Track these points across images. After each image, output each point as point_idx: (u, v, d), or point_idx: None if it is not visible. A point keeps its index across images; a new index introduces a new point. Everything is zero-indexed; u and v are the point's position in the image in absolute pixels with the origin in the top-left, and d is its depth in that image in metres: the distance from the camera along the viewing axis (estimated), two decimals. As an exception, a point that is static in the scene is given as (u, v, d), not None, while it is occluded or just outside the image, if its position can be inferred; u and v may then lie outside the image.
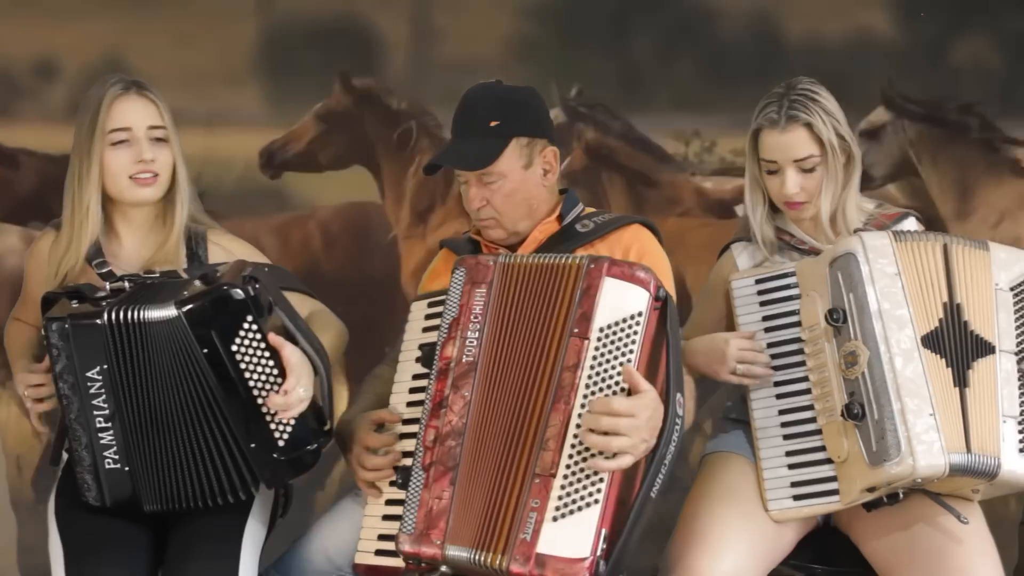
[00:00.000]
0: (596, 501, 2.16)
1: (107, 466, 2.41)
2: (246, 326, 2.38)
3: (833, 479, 2.50)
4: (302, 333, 2.46)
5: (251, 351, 2.39)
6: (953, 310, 2.52)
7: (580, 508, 2.16)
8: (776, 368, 2.59)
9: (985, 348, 2.51)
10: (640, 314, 2.23)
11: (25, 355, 2.60)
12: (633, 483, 2.21)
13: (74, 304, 2.41)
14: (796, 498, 2.53)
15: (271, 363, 2.39)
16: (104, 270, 2.56)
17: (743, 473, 2.60)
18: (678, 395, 2.24)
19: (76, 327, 2.36)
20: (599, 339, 2.24)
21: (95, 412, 2.38)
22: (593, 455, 2.18)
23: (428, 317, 2.44)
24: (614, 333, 2.23)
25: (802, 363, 2.57)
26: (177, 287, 2.44)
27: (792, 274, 2.62)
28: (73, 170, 2.59)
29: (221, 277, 2.43)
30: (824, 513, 2.57)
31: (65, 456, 2.59)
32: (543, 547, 2.15)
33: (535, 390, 2.26)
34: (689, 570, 2.46)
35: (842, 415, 2.47)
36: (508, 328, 2.32)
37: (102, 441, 2.40)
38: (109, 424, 2.39)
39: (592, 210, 2.69)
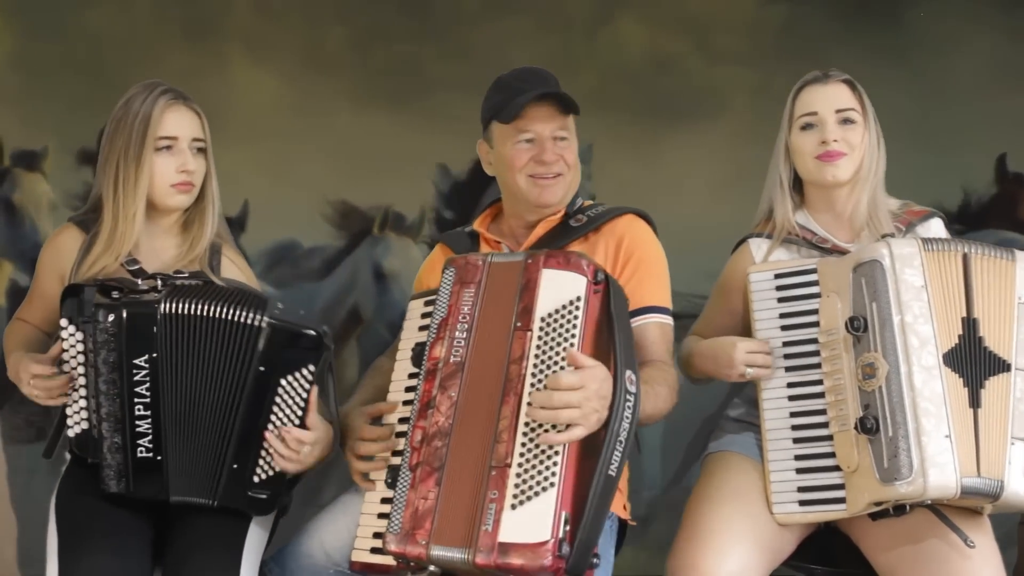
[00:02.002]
0: (552, 485, 2.17)
1: (139, 454, 2.45)
2: (304, 371, 2.44)
3: (841, 487, 2.45)
4: (336, 409, 2.51)
5: (292, 393, 2.45)
6: (971, 326, 2.43)
7: (537, 494, 2.18)
8: (790, 369, 2.54)
9: (999, 365, 2.43)
10: (579, 299, 2.27)
11: (25, 350, 2.62)
12: (590, 464, 2.21)
13: (114, 295, 2.47)
14: (802, 503, 2.49)
15: (299, 412, 2.45)
16: (135, 267, 2.61)
17: (747, 473, 2.56)
18: (628, 372, 2.25)
19: (132, 314, 2.43)
20: (541, 329, 2.27)
21: (136, 400, 2.44)
22: (545, 430, 2.19)
23: (424, 316, 2.47)
24: (555, 321, 2.27)
25: (817, 365, 2.52)
26: (258, 299, 2.49)
27: (813, 271, 2.56)
28: (115, 174, 2.63)
29: (304, 316, 2.50)
30: (829, 520, 2.52)
31: (68, 457, 2.64)
32: (505, 536, 2.17)
33: (498, 387, 2.28)
34: (694, 569, 2.43)
35: (856, 428, 2.41)
36: (488, 327, 2.34)
37: (138, 429, 2.45)
38: (148, 412, 2.45)
39: (589, 203, 2.71)
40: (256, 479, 2.48)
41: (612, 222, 2.64)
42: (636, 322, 2.50)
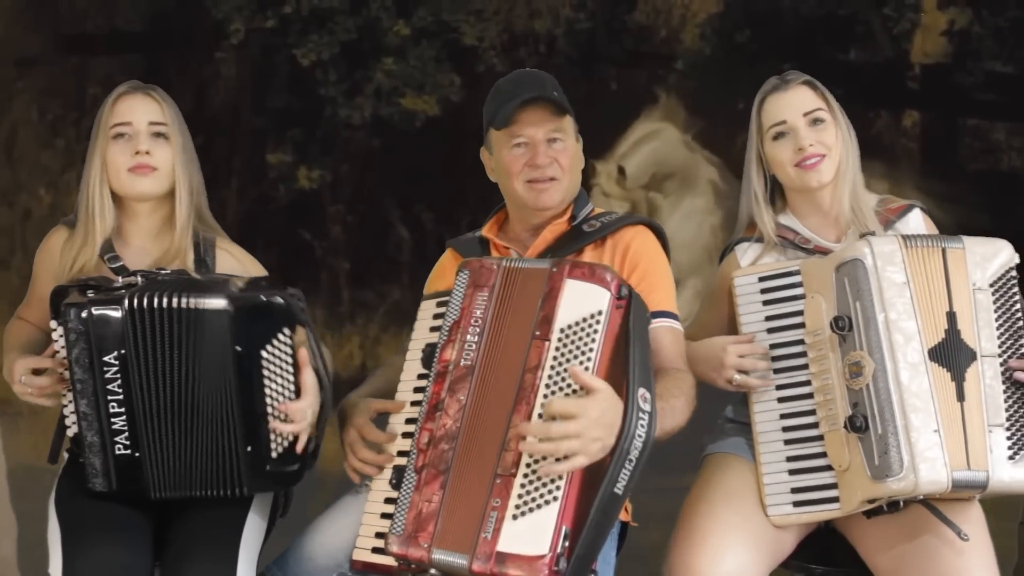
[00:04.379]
0: (555, 499, 2.16)
1: (117, 451, 2.45)
2: (282, 337, 2.46)
3: (834, 486, 2.47)
4: (321, 360, 2.52)
5: (278, 361, 2.46)
6: (952, 320, 2.46)
7: (539, 506, 2.17)
8: (778, 371, 2.56)
9: (971, 355, 2.45)
10: (600, 313, 2.24)
11: (21, 349, 2.64)
12: (596, 480, 2.19)
13: (89, 294, 2.47)
14: (796, 504, 2.50)
15: (291, 378, 2.47)
16: (116, 264, 2.63)
17: (743, 474, 2.57)
18: (642, 390, 2.22)
19: (97, 312, 2.42)
20: (559, 340, 2.26)
21: (109, 397, 2.43)
22: (546, 461, 2.17)
23: (436, 317, 2.46)
24: (574, 333, 2.25)
25: (805, 366, 2.53)
26: (220, 283, 2.52)
27: (796, 272, 2.57)
28: (86, 168, 2.68)
29: (268, 285, 2.52)
30: (824, 520, 2.54)
31: (66, 456, 2.67)
32: (503, 545, 2.16)
33: (511, 394, 2.27)
34: (689, 572, 2.44)
35: (845, 427, 2.43)
36: (501, 332, 2.34)
37: (114, 426, 2.44)
38: (122, 409, 2.44)
39: (601, 210, 2.71)
40: (274, 454, 2.48)
41: (621, 231, 2.64)
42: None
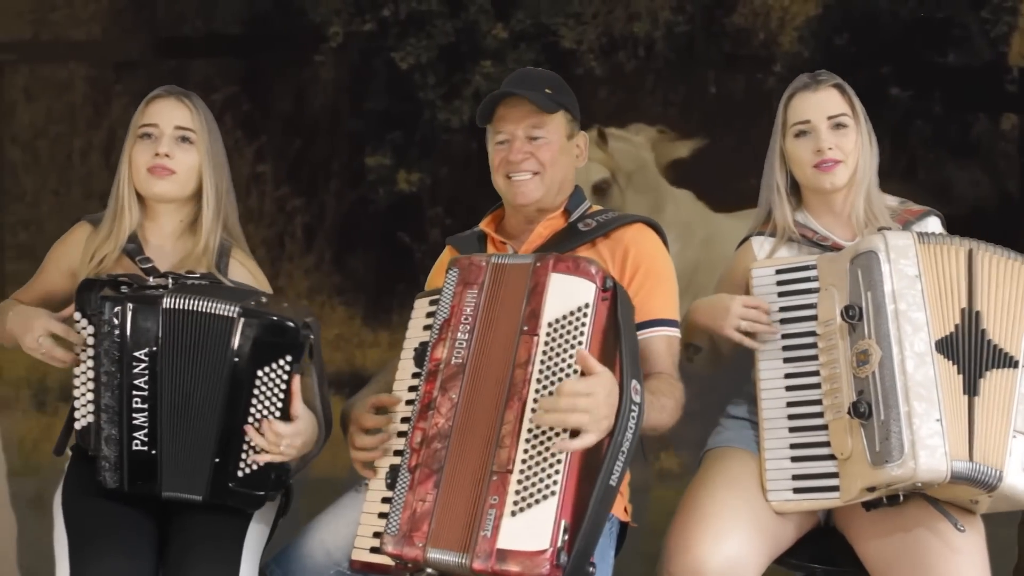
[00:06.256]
0: (553, 493, 2.16)
1: (134, 447, 2.47)
2: (281, 362, 2.45)
3: (835, 475, 2.49)
4: (322, 399, 2.52)
5: (270, 385, 2.45)
6: (971, 317, 2.48)
7: (537, 501, 2.17)
8: (788, 360, 2.58)
9: (1004, 360, 2.46)
10: (587, 305, 2.25)
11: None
12: (592, 473, 2.19)
13: (123, 290, 2.49)
14: (796, 491, 2.52)
15: (279, 405, 2.45)
16: (147, 265, 2.67)
17: (745, 464, 2.60)
18: (633, 382, 2.23)
19: (138, 308, 2.45)
20: (548, 334, 2.26)
21: (134, 392, 2.46)
22: (554, 437, 2.18)
23: (428, 315, 2.46)
24: (562, 327, 2.26)
25: (815, 357, 2.56)
26: (244, 294, 2.53)
27: (813, 267, 2.61)
28: (119, 165, 2.73)
29: (285, 309, 2.51)
30: (823, 508, 2.55)
31: (69, 453, 2.68)
32: (503, 542, 2.16)
33: (502, 391, 2.27)
34: (691, 554, 2.44)
35: (849, 413, 2.44)
36: (491, 329, 2.34)
37: (135, 422, 2.47)
38: (145, 406, 2.47)
39: (598, 208, 2.71)
40: (240, 473, 2.48)
41: (620, 230, 2.64)
42: (643, 335, 2.50)
